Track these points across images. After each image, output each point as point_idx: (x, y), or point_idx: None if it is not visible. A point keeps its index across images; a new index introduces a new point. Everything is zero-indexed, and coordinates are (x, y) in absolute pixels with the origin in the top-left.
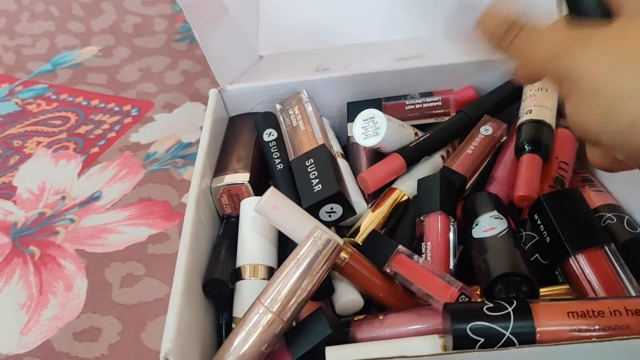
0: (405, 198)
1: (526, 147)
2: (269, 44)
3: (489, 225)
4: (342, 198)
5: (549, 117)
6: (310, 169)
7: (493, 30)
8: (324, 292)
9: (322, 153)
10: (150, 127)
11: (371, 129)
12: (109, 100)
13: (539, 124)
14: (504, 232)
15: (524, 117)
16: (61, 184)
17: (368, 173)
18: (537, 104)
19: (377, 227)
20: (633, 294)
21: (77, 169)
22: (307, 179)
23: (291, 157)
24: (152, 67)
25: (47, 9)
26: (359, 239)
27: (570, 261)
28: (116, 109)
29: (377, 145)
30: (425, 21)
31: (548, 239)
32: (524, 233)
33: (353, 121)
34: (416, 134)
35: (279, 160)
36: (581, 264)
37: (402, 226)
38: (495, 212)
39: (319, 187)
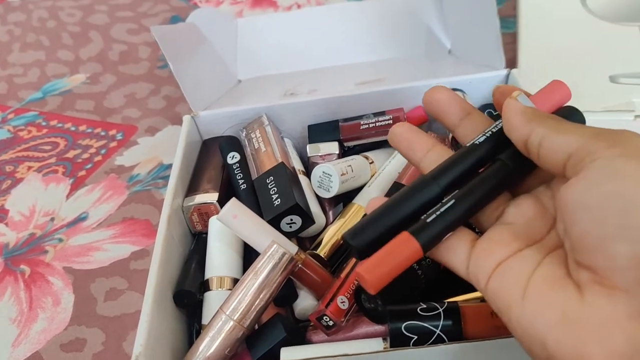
0: (363, 212)
1: None
2: (247, 69)
3: None
4: (299, 209)
5: None
6: (271, 185)
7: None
8: (287, 299)
9: (280, 170)
10: (134, 150)
11: (326, 184)
12: (96, 125)
13: None
14: None
15: None
16: (50, 206)
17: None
18: None
19: (338, 240)
20: None
21: (65, 191)
22: (268, 195)
23: (254, 176)
24: (136, 93)
25: (38, 39)
26: (321, 252)
27: None
28: (102, 133)
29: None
30: (392, 45)
31: None
32: None
33: (313, 142)
34: (366, 157)
35: (242, 180)
36: None
37: None
38: None
39: (278, 202)
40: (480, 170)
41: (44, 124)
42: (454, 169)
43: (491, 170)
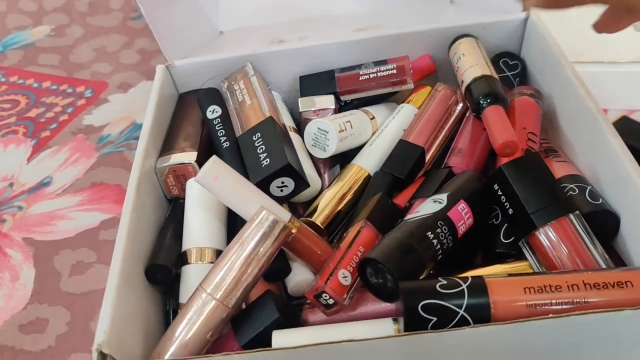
0: (365, 174)
1: (483, 101)
2: (230, 20)
3: (420, 208)
4: (292, 170)
5: (488, 70)
6: (258, 143)
7: None
8: (278, 273)
9: (269, 126)
10: (104, 108)
11: (321, 142)
12: (62, 81)
13: (484, 78)
14: (418, 217)
15: (467, 80)
16: (9, 170)
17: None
18: (469, 66)
19: (336, 205)
20: (600, 261)
21: (26, 154)
22: (254, 154)
23: (238, 133)
24: (107, 47)
25: None
26: (317, 219)
27: (537, 234)
28: (69, 90)
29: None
30: None
31: (510, 211)
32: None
33: (305, 95)
34: (366, 112)
35: (225, 137)
36: (548, 237)
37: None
38: (437, 195)
39: (267, 162)
40: None
41: (3, 80)
42: None
43: None
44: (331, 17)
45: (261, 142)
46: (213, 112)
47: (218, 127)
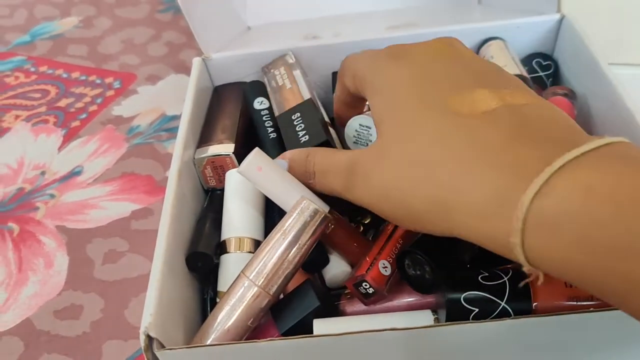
0: None
1: None
2: (258, 15)
3: None
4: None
5: (519, 70)
6: (297, 122)
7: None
8: (317, 264)
9: (309, 107)
10: (133, 99)
11: (364, 138)
12: (90, 72)
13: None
14: None
15: None
16: (41, 158)
17: None
18: (501, 66)
19: None
20: None
21: (57, 143)
22: (294, 132)
23: (277, 114)
24: (134, 39)
25: None
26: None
27: None
28: (98, 81)
29: None
30: None
31: None
32: None
33: None
34: None
35: (272, 129)
36: None
37: None
38: None
39: (305, 138)
40: None
41: (32, 69)
42: None
43: None
44: (361, 14)
45: (300, 121)
46: (261, 103)
47: (265, 118)
